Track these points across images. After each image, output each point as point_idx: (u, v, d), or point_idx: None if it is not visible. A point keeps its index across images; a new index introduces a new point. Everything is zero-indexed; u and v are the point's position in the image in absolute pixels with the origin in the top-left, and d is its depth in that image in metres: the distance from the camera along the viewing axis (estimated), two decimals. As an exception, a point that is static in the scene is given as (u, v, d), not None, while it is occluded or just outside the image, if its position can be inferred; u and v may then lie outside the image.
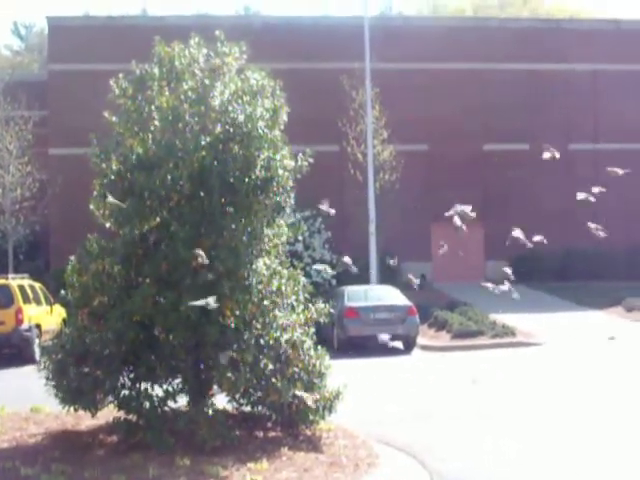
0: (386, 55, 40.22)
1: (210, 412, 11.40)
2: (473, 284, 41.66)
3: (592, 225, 9.00)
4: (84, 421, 12.87)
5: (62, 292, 12.22)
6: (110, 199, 11.18)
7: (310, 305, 12.59)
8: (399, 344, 27.34)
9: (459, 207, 9.05)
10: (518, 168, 43.21)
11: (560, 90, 44.21)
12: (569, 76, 44.48)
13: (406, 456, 12.20)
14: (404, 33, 43.16)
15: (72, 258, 12.18)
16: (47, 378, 11.85)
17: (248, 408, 12.38)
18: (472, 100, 43.58)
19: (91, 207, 12.24)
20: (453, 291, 38.28)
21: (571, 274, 42.08)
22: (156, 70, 12.21)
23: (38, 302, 26.21)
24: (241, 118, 11.80)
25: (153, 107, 11.98)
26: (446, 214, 9.09)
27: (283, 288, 12.12)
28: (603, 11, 63.95)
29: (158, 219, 11.65)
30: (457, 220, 8.93)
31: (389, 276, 37.35)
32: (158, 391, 11.78)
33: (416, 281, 12.61)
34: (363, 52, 35.20)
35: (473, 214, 8.97)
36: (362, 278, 34.85)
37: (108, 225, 12.13)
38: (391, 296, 27.86)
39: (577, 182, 43.44)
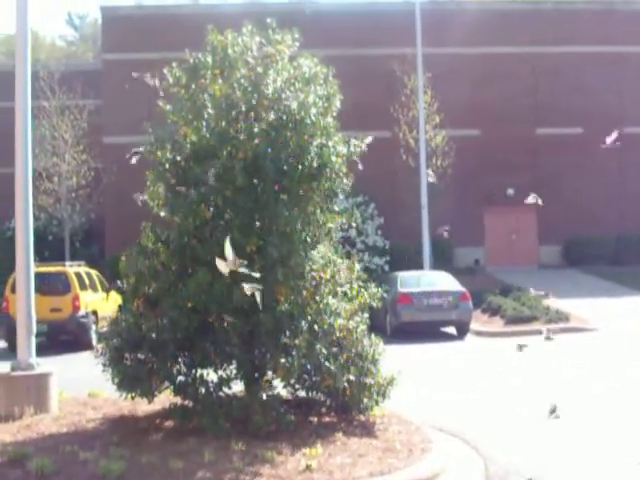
0: (438, 40, 40.06)
1: (264, 398, 11.50)
2: (526, 269, 41.62)
3: None
4: (141, 406, 13.03)
5: (118, 282, 12.36)
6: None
7: (363, 290, 12.63)
8: (452, 330, 27.30)
9: None
10: (571, 152, 42.84)
11: (614, 73, 43.68)
12: (623, 59, 43.93)
13: (460, 442, 12.22)
14: (456, 17, 42.88)
15: (128, 247, 12.34)
16: (104, 364, 12.01)
17: (302, 393, 12.46)
18: (525, 84, 43.28)
19: (145, 197, 12.37)
20: (506, 276, 38.10)
21: (624, 259, 41.70)
22: (209, 59, 12.27)
23: (94, 289, 26.55)
24: (294, 105, 11.83)
25: (206, 95, 12.06)
26: None
27: (337, 275, 12.17)
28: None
29: (212, 208, 11.73)
30: None
31: (442, 261, 37.32)
32: (213, 377, 11.90)
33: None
34: (415, 37, 35.02)
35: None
36: (415, 263, 34.90)
37: (163, 214, 12.26)
38: (444, 282, 27.81)
39: (631, 166, 43.19)
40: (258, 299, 9.99)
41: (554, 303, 29.78)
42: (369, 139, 12.58)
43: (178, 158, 11.99)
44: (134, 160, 13.18)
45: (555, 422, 13.31)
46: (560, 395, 15.67)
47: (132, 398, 12.04)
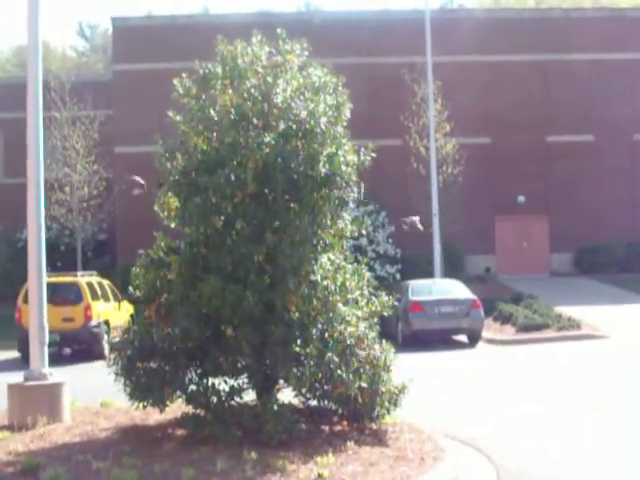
0: (447, 48, 40.07)
1: (275, 407, 11.50)
2: (538, 277, 41.55)
3: None
4: (153, 416, 13.06)
5: (130, 290, 12.39)
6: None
7: (374, 298, 12.62)
8: (464, 338, 27.27)
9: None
10: (582, 159, 42.77)
11: (624, 80, 43.60)
12: (633, 65, 43.85)
13: (472, 450, 12.20)
14: (465, 25, 42.87)
15: (140, 254, 12.38)
16: (116, 374, 12.06)
17: (314, 402, 12.47)
18: (535, 92, 43.23)
19: (155, 208, 12.42)
20: (517, 284, 38.03)
21: (636, 266, 41.54)
22: (219, 69, 12.32)
23: (106, 299, 26.62)
24: (304, 114, 11.88)
25: (216, 106, 12.09)
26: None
27: (347, 283, 12.18)
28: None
29: (223, 217, 11.77)
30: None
31: (454, 270, 37.30)
32: (225, 386, 11.92)
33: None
34: (424, 46, 35.00)
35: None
36: (426, 272, 34.89)
37: (173, 225, 12.32)
38: (455, 290, 27.81)
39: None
40: None
41: (566, 310, 29.71)
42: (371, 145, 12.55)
43: (188, 168, 12.04)
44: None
45: (570, 432, 13.28)
46: (575, 403, 15.64)
47: (144, 407, 12.08)
